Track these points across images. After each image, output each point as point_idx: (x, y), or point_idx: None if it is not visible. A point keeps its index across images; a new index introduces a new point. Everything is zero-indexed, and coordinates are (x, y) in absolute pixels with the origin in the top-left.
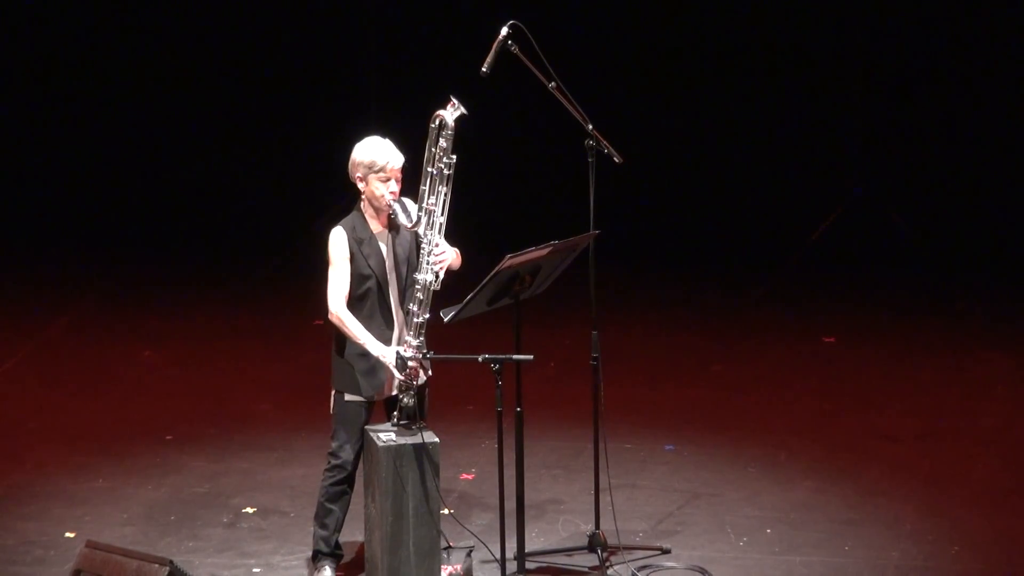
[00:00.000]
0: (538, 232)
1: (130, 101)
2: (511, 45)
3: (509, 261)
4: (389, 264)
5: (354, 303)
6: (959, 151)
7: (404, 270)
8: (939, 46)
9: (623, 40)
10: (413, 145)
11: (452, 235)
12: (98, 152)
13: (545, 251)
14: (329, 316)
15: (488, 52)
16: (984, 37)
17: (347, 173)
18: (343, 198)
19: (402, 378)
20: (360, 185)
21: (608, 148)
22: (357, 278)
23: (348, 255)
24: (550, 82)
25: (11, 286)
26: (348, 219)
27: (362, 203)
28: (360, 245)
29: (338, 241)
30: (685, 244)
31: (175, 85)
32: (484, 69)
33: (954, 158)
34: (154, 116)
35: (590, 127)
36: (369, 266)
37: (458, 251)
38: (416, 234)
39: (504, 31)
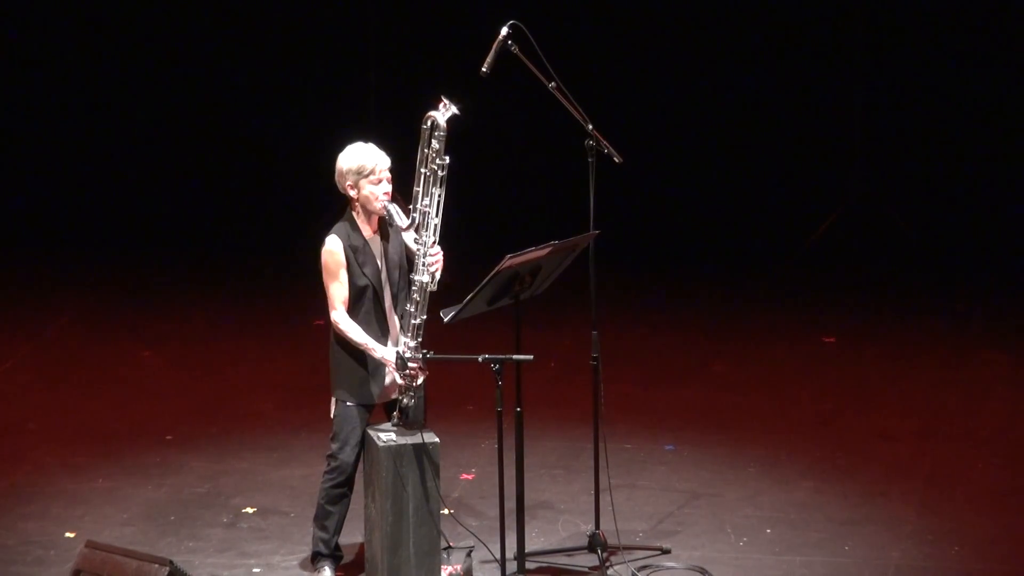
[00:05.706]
0: (538, 232)
1: (129, 101)
2: (511, 45)
3: (509, 261)
4: (383, 269)
5: (351, 311)
6: (959, 150)
7: (396, 274)
8: (939, 45)
9: (623, 40)
10: (414, 147)
11: (453, 235)
12: (97, 152)
13: (545, 251)
14: (333, 326)
15: (488, 52)
16: (985, 36)
17: (335, 184)
18: (340, 199)
19: (402, 379)
20: (351, 192)
21: (608, 148)
22: (354, 287)
23: (345, 263)
24: (550, 82)
25: (11, 286)
26: (341, 227)
27: (353, 210)
28: (356, 253)
29: (334, 250)
30: (685, 244)
31: (175, 85)
32: (484, 69)
33: (954, 157)
34: (154, 116)
35: (590, 127)
36: (364, 274)
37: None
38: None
39: (504, 31)
